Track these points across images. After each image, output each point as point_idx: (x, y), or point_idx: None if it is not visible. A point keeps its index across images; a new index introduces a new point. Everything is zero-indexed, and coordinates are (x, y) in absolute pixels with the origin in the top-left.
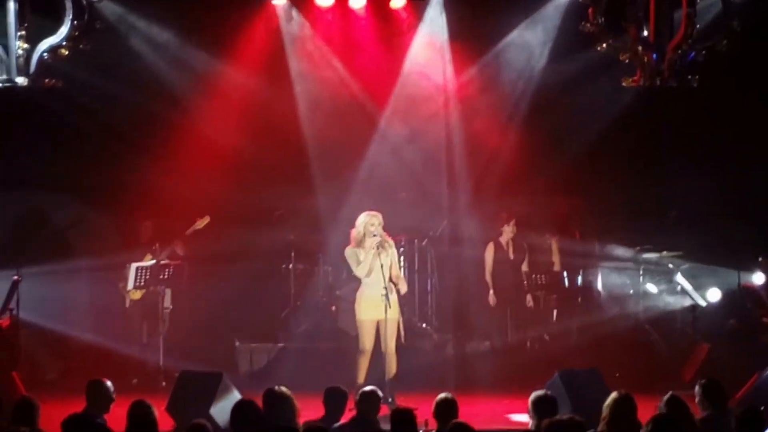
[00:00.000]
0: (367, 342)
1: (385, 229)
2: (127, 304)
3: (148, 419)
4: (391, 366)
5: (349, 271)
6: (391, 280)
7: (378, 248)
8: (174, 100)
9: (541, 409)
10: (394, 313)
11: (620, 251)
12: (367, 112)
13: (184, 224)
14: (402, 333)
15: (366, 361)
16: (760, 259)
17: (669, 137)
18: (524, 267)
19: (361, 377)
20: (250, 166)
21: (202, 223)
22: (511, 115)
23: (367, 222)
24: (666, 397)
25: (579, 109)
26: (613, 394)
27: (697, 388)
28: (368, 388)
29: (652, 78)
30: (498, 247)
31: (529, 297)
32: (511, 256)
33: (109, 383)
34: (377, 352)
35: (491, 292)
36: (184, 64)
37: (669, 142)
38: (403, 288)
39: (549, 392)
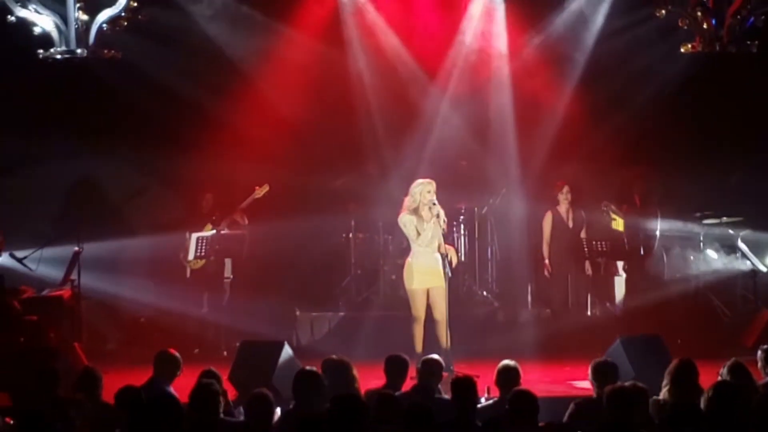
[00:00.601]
0: (420, 310)
1: (441, 197)
2: (188, 274)
3: (212, 389)
4: (444, 334)
5: (408, 239)
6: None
7: (438, 217)
8: (235, 71)
9: (602, 375)
10: (442, 282)
11: (681, 217)
12: (423, 81)
13: (244, 195)
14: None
15: (421, 329)
16: None
17: (728, 103)
18: (582, 234)
19: (419, 346)
20: (311, 136)
21: (261, 191)
22: (569, 81)
23: (423, 190)
24: (728, 363)
25: (637, 75)
26: (675, 361)
27: (759, 353)
28: (430, 356)
29: (711, 44)
30: (556, 215)
31: (587, 264)
32: (570, 223)
33: (176, 354)
34: (432, 321)
35: (546, 261)
36: (243, 34)
37: (728, 107)
38: (455, 258)
39: (610, 359)
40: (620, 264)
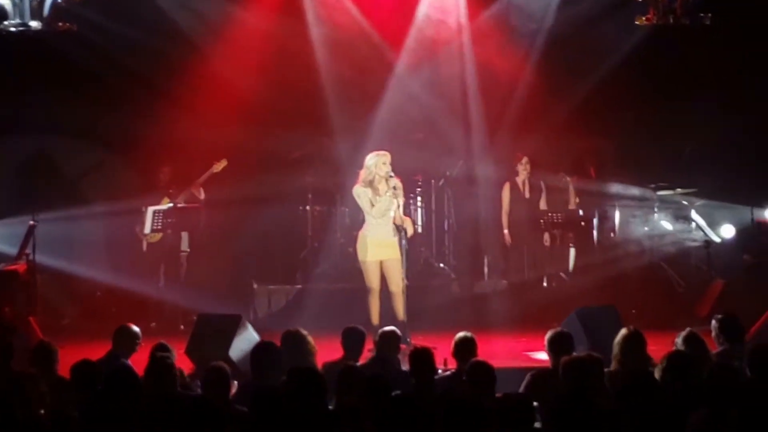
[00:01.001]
0: (374, 282)
1: (398, 169)
2: (145, 248)
3: (168, 362)
4: (401, 306)
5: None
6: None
7: (395, 189)
8: (190, 44)
9: (557, 346)
10: (397, 253)
11: (635, 189)
12: (382, 55)
13: (202, 168)
14: (404, 274)
15: (376, 301)
16: None
17: (682, 75)
18: (542, 205)
19: (375, 318)
20: (267, 109)
21: (219, 166)
22: (526, 54)
23: (378, 162)
24: (683, 333)
25: (593, 48)
26: (622, 331)
27: (713, 323)
28: (388, 328)
29: (665, 16)
30: (514, 186)
31: (546, 236)
32: (527, 195)
33: (136, 328)
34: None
35: (506, 231)
36: (200, 7)
37: (682, 80)
38: (410, 230)
39: (566, 330)
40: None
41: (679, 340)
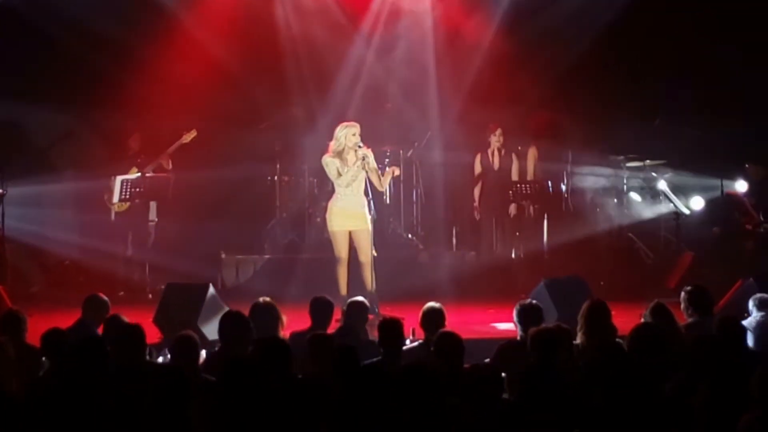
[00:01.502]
0: (342, 251)
1: (367, 139)
2: (113, 217)
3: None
4: (369, 276)
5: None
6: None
7: (364, 160)
8: (161, 13)
9: (526, 317)
10: (366, 224)
11: (604, 160)
12: (348, 24)
13: (171, 136)
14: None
15: (344, 271)
16: (746, 165)
17: (652, 45)
18: (514, 176)
19: (343, 288)
20: (236, 79)
21: (188, 137)
22: (496, 24)
23: (348, 133)
24: (651, 305)
25: (562, 18)
26: (586, 303)
27: (682, 294)
28: (356, 298)
29: None
30: (484, 157)
31: (512, 207)
32: (496, 166)
33: (104, 297)
34: (357, 263)
35: (476, 203)
36: None
37: (652, 50)
38: (397, 172)
39: (534, 301)
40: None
41: (647, 313)
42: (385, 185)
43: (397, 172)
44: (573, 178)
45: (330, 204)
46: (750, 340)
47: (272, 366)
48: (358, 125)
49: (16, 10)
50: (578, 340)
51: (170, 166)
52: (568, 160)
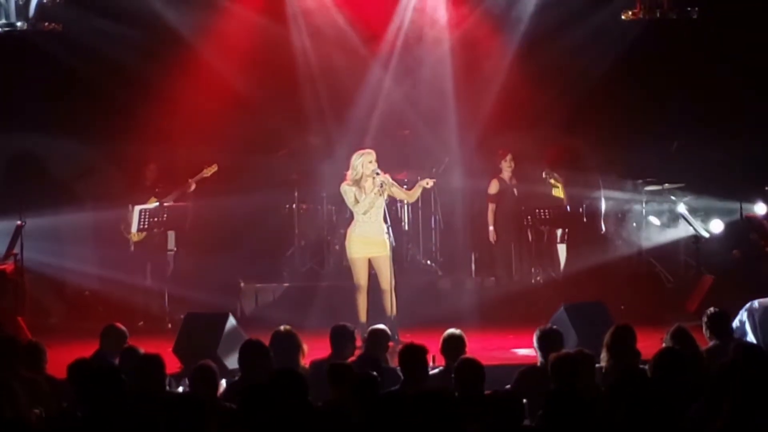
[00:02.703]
0: (362, 279)
1: (384, 166)
2: (131, 248)
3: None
4: (393, 304)
5: (351, 210)
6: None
7: (381, 187)
8: (177, 42)
9: (546, 343)
10: (386, 251)
11: (622, 184)
12: (366, 51)
13: (188, 165)
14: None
15: (364, 298)
16: (767, 188)
17: (670, 69)
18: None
19: (363, 315)
20: (254, 107)
21: (209, 171)
22: (510, 49)
23: (364, 161)
24: (671, 329)
25: (580, 43)
26: (611, 328)
27: (704, 318)
28: (377, 326)
29: (651, 10)
30: (502, 182)
31: (529, 232)
32: (515, 192)
33: (123, 328)
34: (378, 290)
35: (491, 228)
36: (186, 6)
37: (670, 74)
38: (411, 197)
39: (554, 326)
40: (559, 232)
41: (667, 336)
42: (415, 196)
43: (430, 184)
44: (592, 203)
45: (349, 231)
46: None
47: (288, 395)
48: (373, 152)
49: (38, 43)
50: (603, 363)
51: (192, 189)
52: (587, 184)
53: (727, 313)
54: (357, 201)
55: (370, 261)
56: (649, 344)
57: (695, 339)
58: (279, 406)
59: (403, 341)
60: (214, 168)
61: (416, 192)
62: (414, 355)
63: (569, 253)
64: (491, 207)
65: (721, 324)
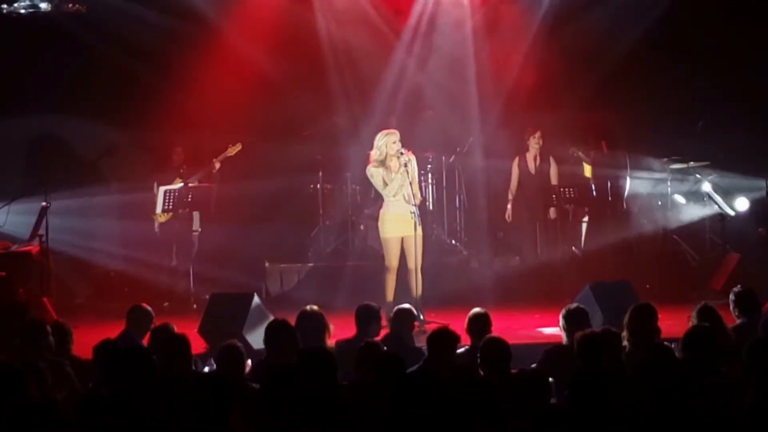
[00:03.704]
0: (393, 259)
1: (409, 146)
2: (157, 228)
3: (184, 340)
4: (419, 283)
5: (376, 190)
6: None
7: (406, 167)
8: (202, 24)
9: (572, 322)
10: (419, 230)
11: (648, 162)
12: (390, 32)
13: (214, 148)
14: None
15: (393, 278)
16: None
17: (695, 48)
18: (553, 180)
19: (390, 295)
20: (277, 86)
21: (233, 150)
22: (537, 28)
23: (388, 141)
24: (698, 307)
25: (604, 20)
26: (632, 306)
27: (731, 296)
28: (403, 305)
29: None
30: (524, 161)
31: (552, 210)
32: (533, 171)
33: (148, 308)
34: (404, 270)
35: (509, 206)
36: None
37: (695, 52)
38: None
39: (580, 305)
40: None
41: (693, 314)
42: (418, 196)
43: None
44: (616, 181)
45: (382, 212)
46: None
47: (316, 375)
48: (397, 132)
49: (62, 25)
50: (624, 343)
51: (217, 168)
52: (614, 163)
53: (754, 291)
54: (386, 183)
55: (402, 240)
56: (675, 323)
57: (722, 317)
58: (306, 385)
59: (428, 320)
60: (238, 147)
61: (417, 191)
62: (442, 341)
63: (594, 232)
64: (511, 186)
65: (749, 301)
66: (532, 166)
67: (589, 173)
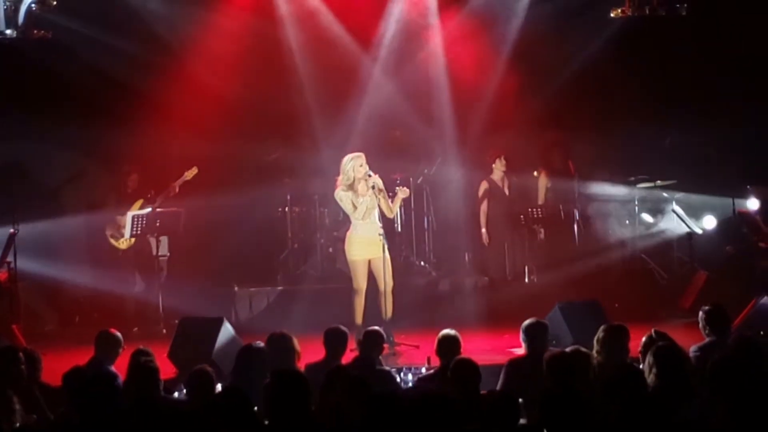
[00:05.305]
0: (361, 281)
1: (376, 168)
2: (120, 254)
3: (150, 366)
4: (389, 305)
5: (344, 212)
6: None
7: (374, 188)
8: (165, 46)
9: (532, 333)
10: (383, 252)
11: (614, 182)
12: (356, 52)
13: (172, 174)
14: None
15: (361, 300)
16: (748, 187)
17: (659, 66)
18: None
19: (359, 317)
20: (243, 111)
21: (190, 174)
22: (500, 49)
23: (355, 164)
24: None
25: (568, 42)
26: (604, 326)
27: (701, 314)
28: (372, 328)
29: (641, 8)
30: (491, 183)
31: (522, 231)
32: (507, 191)
33: (118, 334)
34: (373, 292)
35: (483, 230)
36: (173, 9)
37: (659, 71)
38: (390, 212)
39: (540, 320)
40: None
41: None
42: (395, 210)
43: (406, 194)
44: (583, 201)
45: (349, 234)
46: None
47: (289, 399)
48: (363, 154)
49: (27, 51)
50: (594, 361)
51: (177, 191)
52: (579, 183)
53: (724, 309)
54: (355, 207)
55: (369, 263)
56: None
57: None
58: (277, 408)
59: (398, 341)
60: (194, 171)
61: (396, 205)
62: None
63: (561, 252)
64: (482, 209)
65: (719, 320)
66: (500, 187)
67: (544, 194)
